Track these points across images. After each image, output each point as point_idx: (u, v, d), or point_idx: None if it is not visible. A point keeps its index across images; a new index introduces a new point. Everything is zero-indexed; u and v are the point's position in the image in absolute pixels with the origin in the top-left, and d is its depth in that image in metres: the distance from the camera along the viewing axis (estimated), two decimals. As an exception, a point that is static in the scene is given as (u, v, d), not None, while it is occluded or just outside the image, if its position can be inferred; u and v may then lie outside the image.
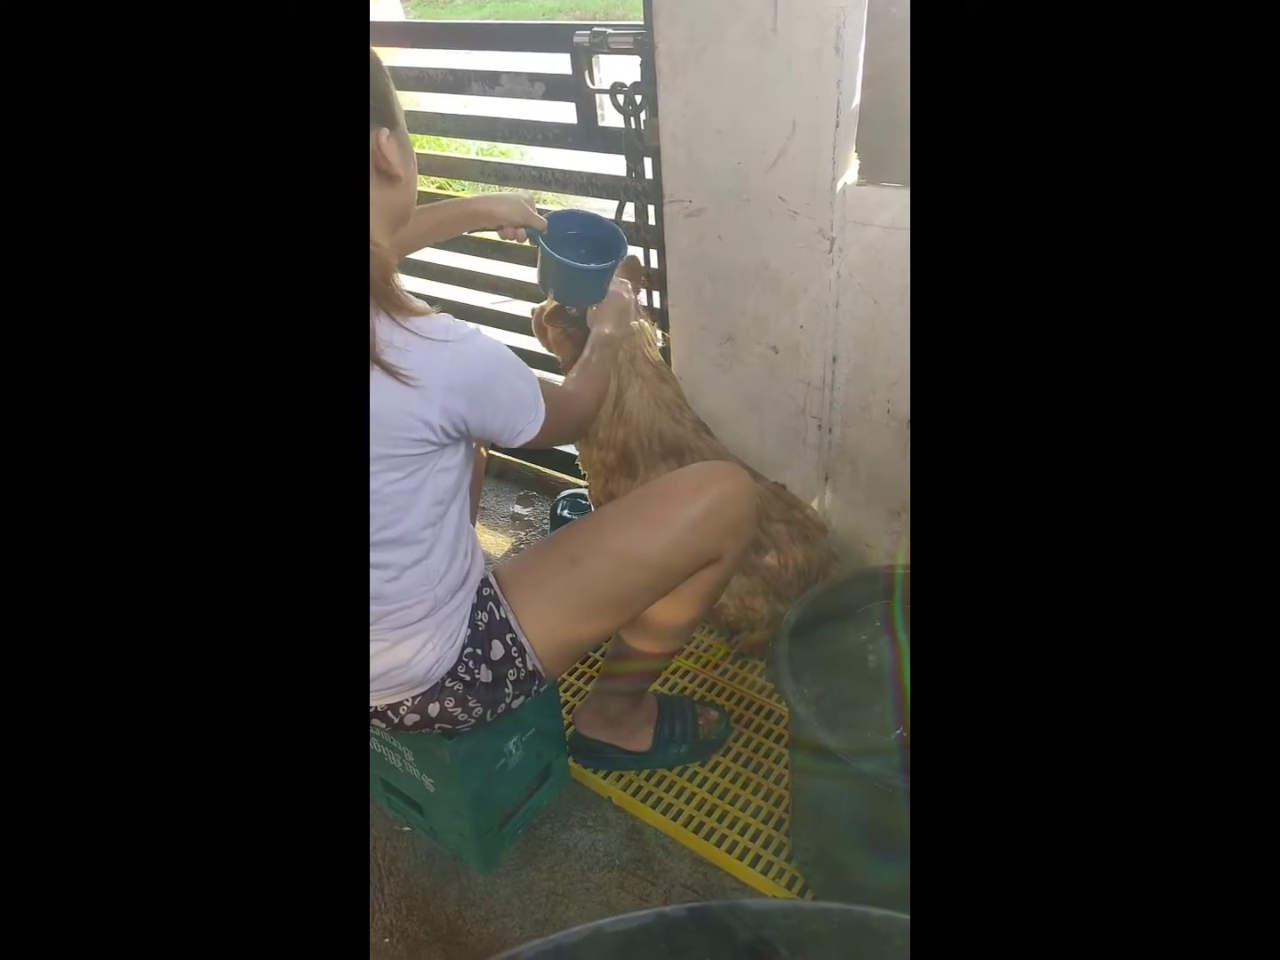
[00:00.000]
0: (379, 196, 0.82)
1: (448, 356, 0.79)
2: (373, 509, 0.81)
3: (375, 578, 0.86)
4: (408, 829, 1.20)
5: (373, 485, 0.80)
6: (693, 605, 1.05)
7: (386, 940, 1.06)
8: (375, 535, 0.83)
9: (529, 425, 0.90)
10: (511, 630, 0.97)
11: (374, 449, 0.78)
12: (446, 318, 0.82)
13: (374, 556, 0.84)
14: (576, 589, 0.98)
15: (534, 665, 0.98)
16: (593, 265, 1.14)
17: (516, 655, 0.97)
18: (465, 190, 2.99)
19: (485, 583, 0.99)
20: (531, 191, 1.49)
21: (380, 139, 0.79)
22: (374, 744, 1.13)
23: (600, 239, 1.21)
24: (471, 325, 0.83)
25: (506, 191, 1.24)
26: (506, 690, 0.97)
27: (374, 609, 0.88)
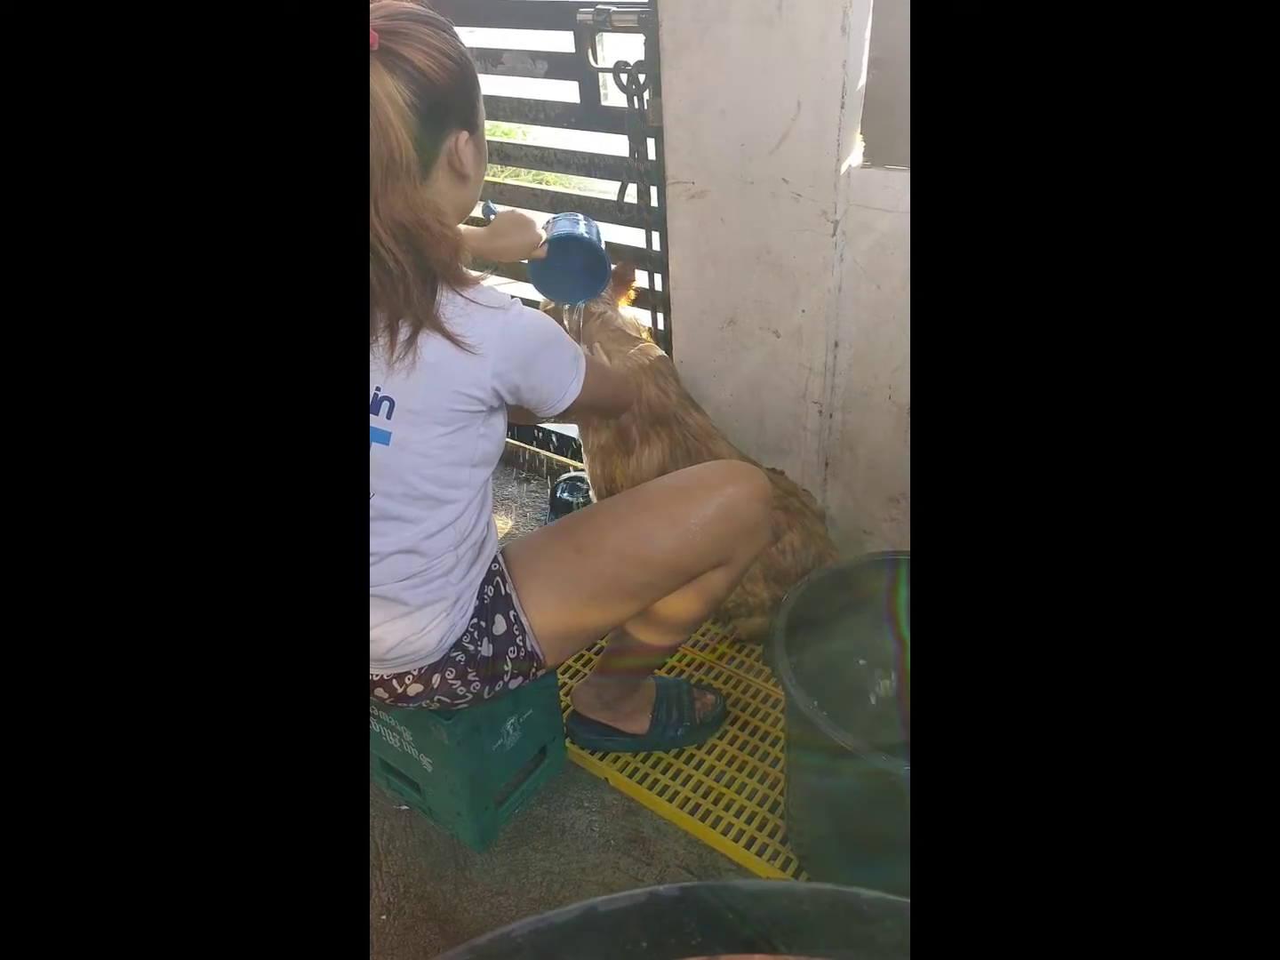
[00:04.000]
0: (451, 193, 0.87)
1: (501, 324, 0.84)
2: (416, 460, 0.85)
3: (414, 533, 0.88)
4: (405, 808, 1.21)
5: (420, 438, 0.84)
6: (698, 603, 1.05)
7: (384, 917, 1.07)
8: (415, 489, 0.86)
9: (574, 383, 0.93)
10: (514, 608, 0.97)
11: (427, 401, 0.82)
12: (492, 286, 0.86)
13: (412, 510, 0.87)
14: (580, 579, 0.98)
15: (533, 647, 0.98)
16: (570, 302, 1.28)
17: (518, 633, 0.97)
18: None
19: (493, 558, 1.00)
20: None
21: (458, 142, 0.84)
22: (373, 724, 1.14)
23: (592, 268, 1.22)
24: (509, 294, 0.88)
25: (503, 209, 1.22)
26: (505, 668, 0.98)
27: (412, 564, 0.89)
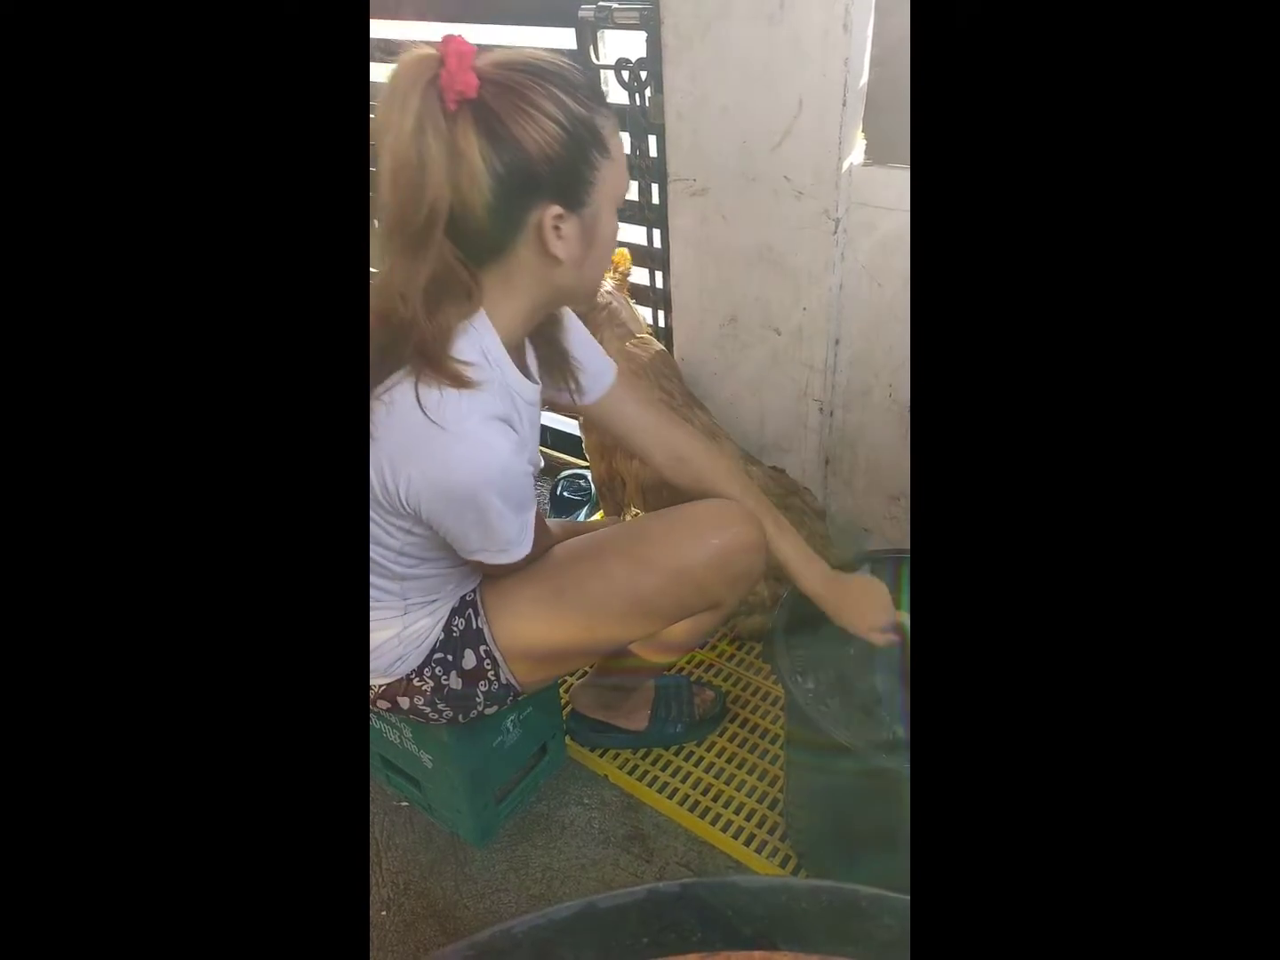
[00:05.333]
0: (540, 273, 0.79)
1: (439, 444, 0.75)
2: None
3: None
4: (405, 804, 1.21)
5: None
6: (689, 628, 1.04)
7: (384, 914, 1.07)
8: None
9: (485, 554, 0.84)
10: (485, 643, 0.94)
11: None
12: (468, 406, 0.75)
13: None
14: (561, 623, 0.94)
15: (507, 679, 0.96)
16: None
17: (489, 668, 0.95)
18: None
19: (466, 589, 0.97)
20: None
21: (545, 216, 0.74)
22: (373, 720, 1.14)
23: None
24: (483, 430, 0.76)
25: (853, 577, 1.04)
26: (477, 700, 0.96)
27: None
